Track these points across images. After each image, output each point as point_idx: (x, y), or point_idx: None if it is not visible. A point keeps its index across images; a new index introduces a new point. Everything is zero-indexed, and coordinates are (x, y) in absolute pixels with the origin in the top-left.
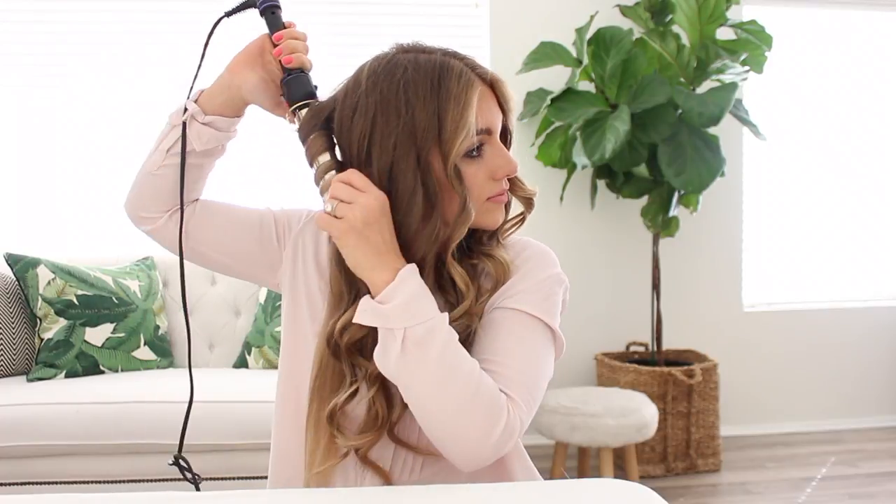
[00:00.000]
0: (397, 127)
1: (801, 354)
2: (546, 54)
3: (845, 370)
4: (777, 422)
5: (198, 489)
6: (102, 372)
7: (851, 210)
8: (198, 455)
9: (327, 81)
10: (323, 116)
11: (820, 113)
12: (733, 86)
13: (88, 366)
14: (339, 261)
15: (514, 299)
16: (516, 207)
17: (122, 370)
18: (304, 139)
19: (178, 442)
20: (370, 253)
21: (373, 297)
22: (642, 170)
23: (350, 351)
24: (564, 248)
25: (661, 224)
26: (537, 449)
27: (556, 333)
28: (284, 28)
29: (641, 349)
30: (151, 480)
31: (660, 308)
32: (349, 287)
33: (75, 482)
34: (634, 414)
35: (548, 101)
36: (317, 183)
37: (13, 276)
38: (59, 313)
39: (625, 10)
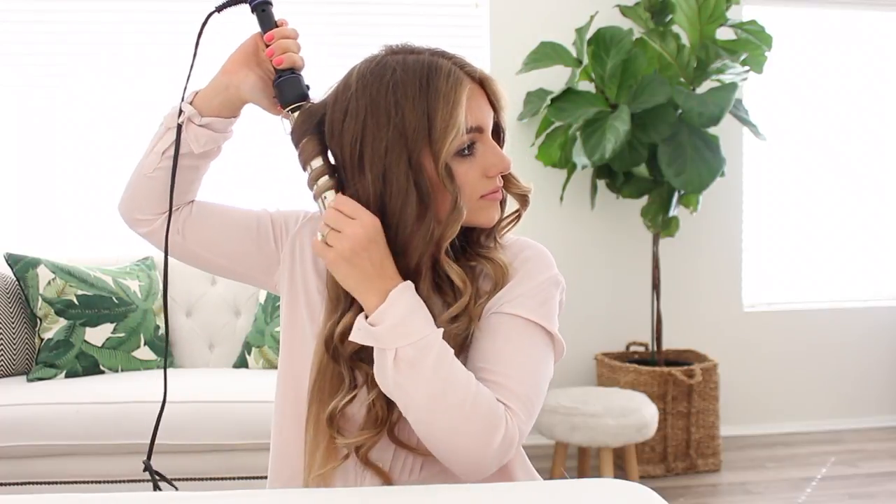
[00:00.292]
0: (388, 129)
1: (801, 354)
2: (546, 54)
3: (845, 370)
4: (777, 422)
5: (175, 489)
6: (102, 372)
7: (851, 210)
8: (198, 455)
9: (327, 82)
10: (315, 120)
11: (820, 113)
12: (733, 86)
13: (88, 366)
14: None
15: (512, 304)
16: (513, 205)
17: (122, 370)
18: (296, 143)
19: (177, 442)
20: (360, 278)
21: (367, 317)
22: (642, 170)
23: (349, 354)
24: (564, 248)
25: (661, 224)
26: (537, 449)
27: (556, 337)
28: (276, 26)
29: (641, 349)
30: (151, 480)
31: (660, 308)
32: (346, 291)
33: (75, 482)
34: (634, 414)
35: (548, 101)
36: (310, 188)
37: (13, 276)
38: (59, 313)
39: (625, 10)
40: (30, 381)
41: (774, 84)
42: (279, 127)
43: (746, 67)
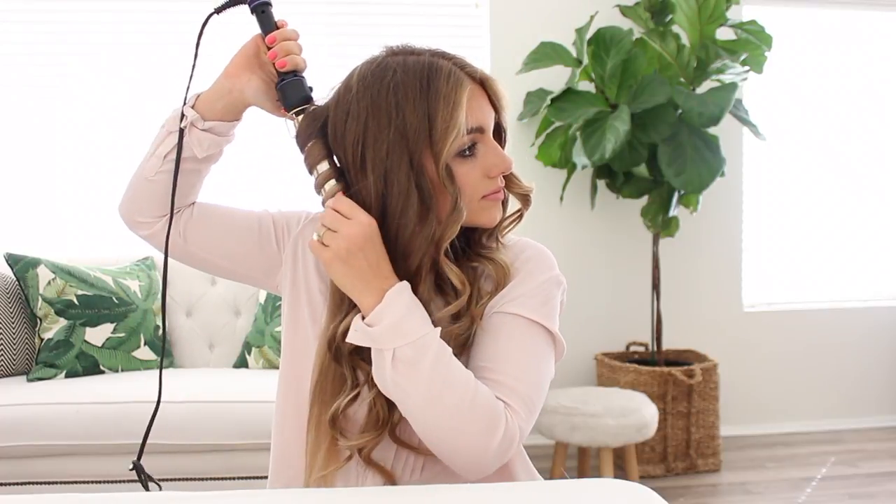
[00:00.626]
0: (389, 130)
1: (801, 354)
2: (546, 54)
3: (845, 370)
4: (777, 422)
5: (160, 489)
6: (102, 372)
7: (851, 210)
8: (198, 455)
9: (328, 82)
10: (319, 123)
11: (820, 113)
12: (733, 86)
13: (88, 366)
14: None
15: (514, 304)
16: (514, 205)
17: (122, 370)
18: (301, 147)
19: (177, 442)
20: (356, 278)
21: (364, 318)
22: (642, 170)
23: (352, 355)
24: (564, 248)
25: (661, 224)
26: (537, 449)
27: (556, 337)
28: (277, 28)
29: (641, 349)
30: (151, 480)
31: (660, 308)
32: None
33: (75, 482)
34: (634, 414)
35: (548, 101)
36: (317, 192)
37: (13, 276)
38: (59, 313)
39: (625, 10)
40: (30, 381)
41: (774, 84)
42: (280, 128)
43: (746, 67)
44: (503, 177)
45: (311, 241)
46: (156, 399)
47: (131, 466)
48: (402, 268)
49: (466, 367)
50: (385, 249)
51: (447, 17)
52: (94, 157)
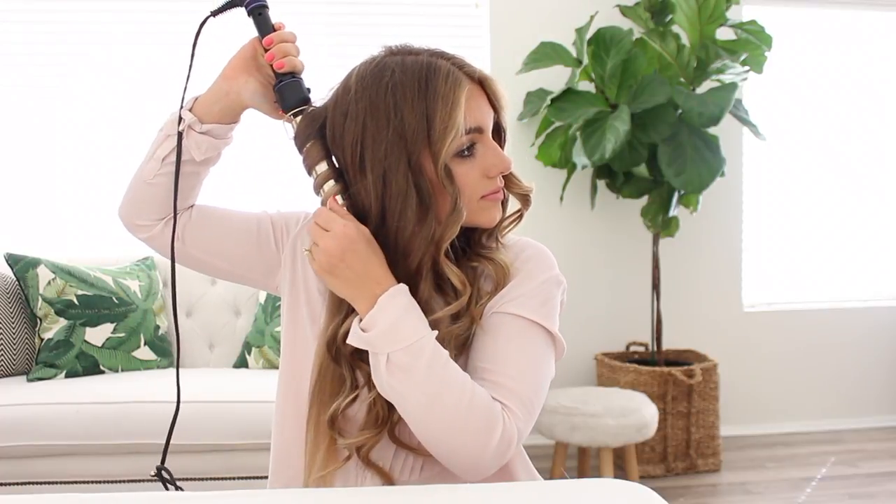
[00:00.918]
0: (387, 131)
1: (801, 354)
2: (546, 54)
3: (845, 370)
4: (777, 422)
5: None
6: (102, 372)
7: (851, 210)
8: (198, 455)
9: (327, 82)
10: (317, 124)
11: (820, 113)
12: (733, 86)
13: (88, 366)
14: None
15: (514, 304)
16: (514, 205)
17: (122, 370)
18: (300, 148)
19: (177, 443)
20: (346, 287)
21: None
22: (642, 170)
23: (351, 355)
24: (564, 248)
25: (661, 224)
26: (537, 449)
27: (556, 337)
28: (274, 29)
29: (641, 349)
30: (151, 480)
31: (660, 308)
32: None
33: (75, 482)
34: (634, 414)
35: (548, 101)
36: (317, 193)
37: (13, 276)
38: (59, 313)
39: (625, 10)
40: (30, 381)
41: (774, 84)
42: (279, 129)
43: (746, 67)
44: (503, 177)
45: (305, 253)
46: (164, 401)
47: (154, 472)
48: (402, 268)
49: (466, 367)
50: (378, 251)
51: (447, 17)
52: (94, 158)
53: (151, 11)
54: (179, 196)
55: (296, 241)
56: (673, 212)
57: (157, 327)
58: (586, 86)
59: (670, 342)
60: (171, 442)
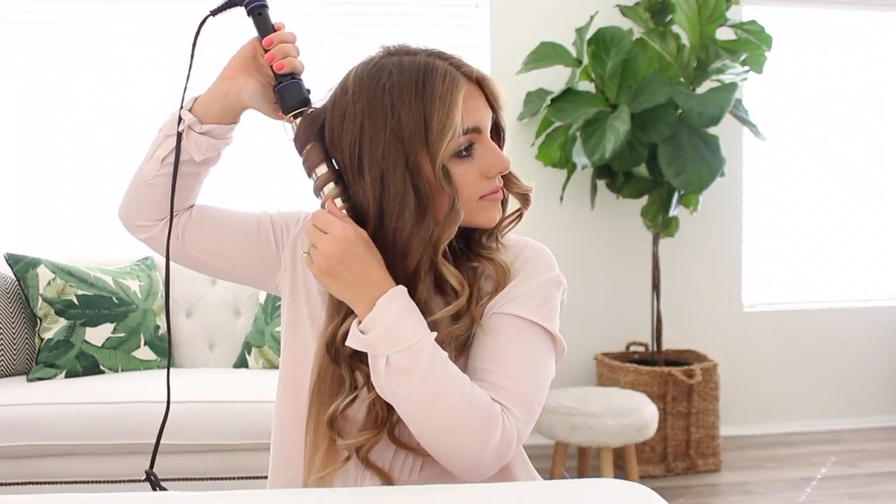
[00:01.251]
0: (385, 132)
1: (801, 354)
2: (546, 54)
3: (845, 370)
4: (777, 422)
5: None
6: (102, 372)
7: (851, 210)
8: (198, 455)
9: (327, 82)
10: (317, 125)
11: (820, 113)
12: (733, 86)
13: (88, 366)
14: None
15: (514, 304)
16: (514, 205)
17: (122, 370)
18: (300, 150)
19: (177, 443)
20: (343, 290)
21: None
22: (642, 170)
23: (351, 356)
24: (564, 248)
25: (661, 224)
26: (537, 449)
27: (557, 338)
28: (274, 30)
29: (641, 349)
30: (162, 489)
31: (660, 308)
32: None
33: (75, 482)
34: (634, 414)
35: (548, 101)
36: (317, 195)
37: (13, 276)
38: (59, 313)
39: (625, 10)
40: (30, 381)
41: (774, 84)
42: (279, 129)
43: (746, 67)
44: (502, 177)
45: (304, 256)
46: (157, 401)
47: (144, 477)
48: (401, 268)
49: (466, 367)
50: (377, 253)
51: (447, 17)
52: (94, 158)
53: (151, 11)
54: (179, 196)
55: (296, 241)
56: (673, 212)
57: (157, 327)
58: (586, 86)
59: (670, 342)
60: (172, 442)
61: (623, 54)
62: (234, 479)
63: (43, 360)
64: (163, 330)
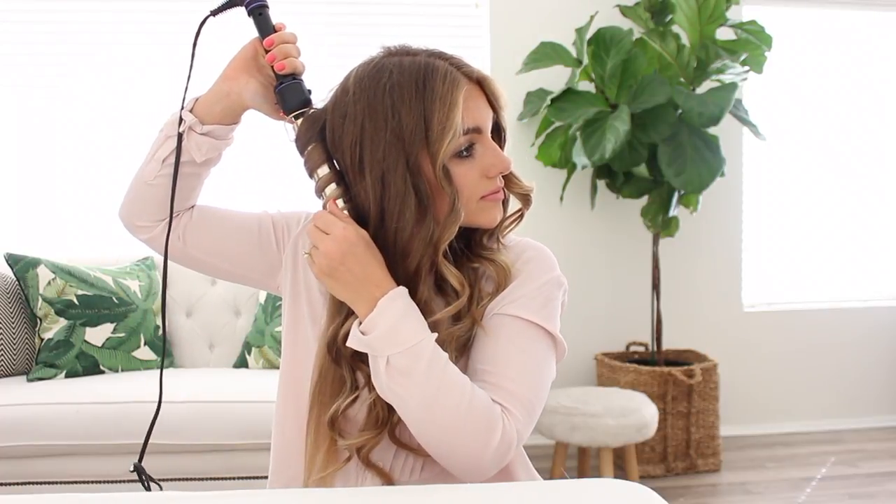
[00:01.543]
0: (385, 132)
1: (801, 354)
2: (546, 54)
3: (845, 370)
4: (777, 422)
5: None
6: (102, 372)
7: (851, 210)
8: (198, 455)
9: (327, 82)
10: (318, 126)
11: (820, 113)
12: (733, 86)
13: (88, 366)
14: None
15: (514, 305)
16: (514, 205)
17: (122, 370)
18: (301, 151)
19: (177, 442)
20: (345, 290)
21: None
22: (642, 170)
23: (352, 357)
24: (564, 248)
25: (661, 224)
26: (537, 449)
27: (557, 339)
28: (275, 30)
29: (641, 349)
30: (151, 480)
31: (660, 308)
32: None
33: (75, 482)
34: (634, 414)
35: (548, 101)
36: (318, 196)
37: (13, 276)
38: (59, 313)
39: (625, 10)
40: (30, 381)
41: (774, 84)
42: (279, 129)
43: (746, 67)
44: (503, 177)
45: (306, 257)
46: (157, 400)
47: (132, 468)
48: (402, 269)
49: (467, 368)
50: (377, 254)
51: (447, 17)
52: (94, 158)
53: (151, 11)
54: (180, 197)
55: (297, 241)
56: (673, 212)
57: (157, 327)
58: (586, 86)
59: (670, 342)
60: (172, 442)
61: (623, 54)
62: (234, 479)
63: (43, 360)
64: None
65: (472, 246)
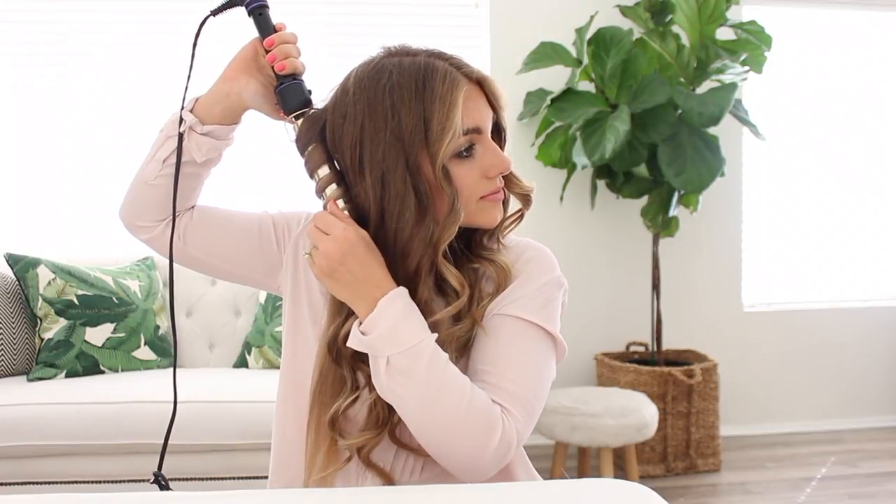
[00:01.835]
0: (385, 132)
1: (801, 354)
2: (546, 54)
3: (845, 370)
4: (777, 422)
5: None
6: (102, 372)
7: (851, 210)
8: (198, 455)
9: (327, 82)
10: (319, 126)
11: (820, 113)
12: (733, 86)
13: (88, 366)
14: None
15: (515, 306)
16: (515, 205)
17: (122, 370)
18: (301, 151)
19: (177, 443)
20: (345, 291)
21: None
22: (642, 170)
23: (352, 357)
24: (564, 248)
25: (661, 224)
26: (537, 449)
27: (558, 339)
28: (275, 30)
29: (641, 349)
30: (169, 488)
31: (660, 308)
32: None
33: (75, 482)
34: (634, 414)
35: (548, 101)
36: (319, 196)
37: (13, 276)
38: (59, 313)
39: (625, 10)
40: (30, 381)
41: (774, 84)
42: (280, 130)
43: (746, 67)
44: (503, 177)
45: (306, 257)
46: (157, 401)
47: (152, 479)
48: (402, 269)
49: (467, 368)
50: (378, 255)
51: (447, 17)
52: (94, 157)
53: (151, 11)
54: (180, 197)
55: (297, 241)
56: (673, 212)
57: (157, 327)
58: (586, 86)
59: (670, 342)
60: (172, 442)
61: (623, 54)
62: (234, 479)
63: (43, 360)
64: (163, 330)
65: (473, 246)
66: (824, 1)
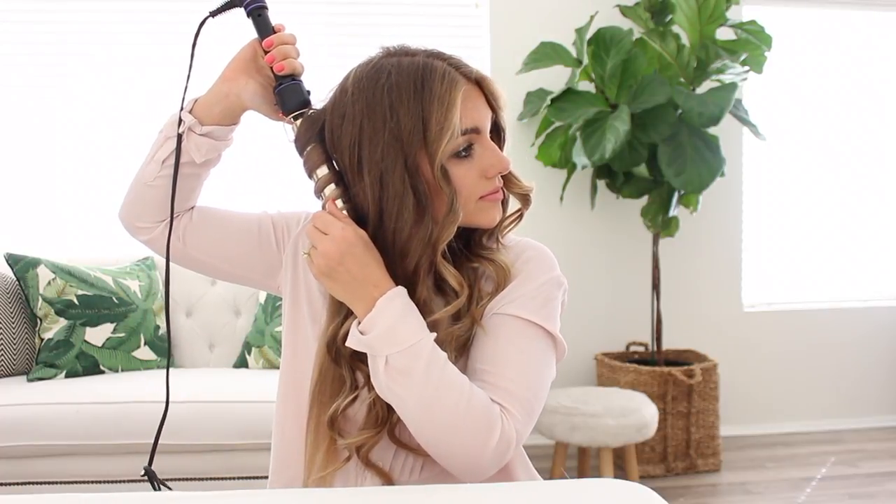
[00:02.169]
0: (384, 132)
1: (801, 354)
2: (546, 54)
3: (845, 370)
4: (777, 422)
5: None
6: (102, 372)
7: (851, 210)
8: (198, 455)
9: (327, 83)
10: (318, 127)
11: (820, 113)
12: (733, 86)
13: (88, 366)
14: None
15: (514, 305)
16: (514, 205)
17: (122, 370)
18: (300, 151)
19: (177, 443)
20: (343, 291)
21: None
22: (642, 170)
23: (351, 357)
24: (564, 248)
25: (661, 224)
26: (537, 449)
27: (557, 339)
28: (274, 31)
29: (641, 349)
30: (162, 483)
31: (660, 308)
32: None
33: (75, 482)
34: (634, 414)
35: (548, 101)
36: (317, 196)
37: (13, 276)
38: (59, 313)
39: (625, 10)
40: (30, 381)
41: (774, 84)
42: (279, 130)
43: (746, 67)
44: (503, 177)
45: (305, 257)
46: (158, 401)
47: (143, 473)
48: (400, 269)
49: (466, 368)
50: (376, 254)
51: (447, 17)
52: (94, 158)
53: (151, 11)
54: (179, 198)
55: (297, 241)
56: (673, 212)
57: (157, 327)
58: (586, 86)
59: (670, 342)
60: (172, 442)
61: (623, 54)
62: (234, 479)
63: (43, 360)
64: (163, 330)
65: (472, 246)
66: (824, 1)
